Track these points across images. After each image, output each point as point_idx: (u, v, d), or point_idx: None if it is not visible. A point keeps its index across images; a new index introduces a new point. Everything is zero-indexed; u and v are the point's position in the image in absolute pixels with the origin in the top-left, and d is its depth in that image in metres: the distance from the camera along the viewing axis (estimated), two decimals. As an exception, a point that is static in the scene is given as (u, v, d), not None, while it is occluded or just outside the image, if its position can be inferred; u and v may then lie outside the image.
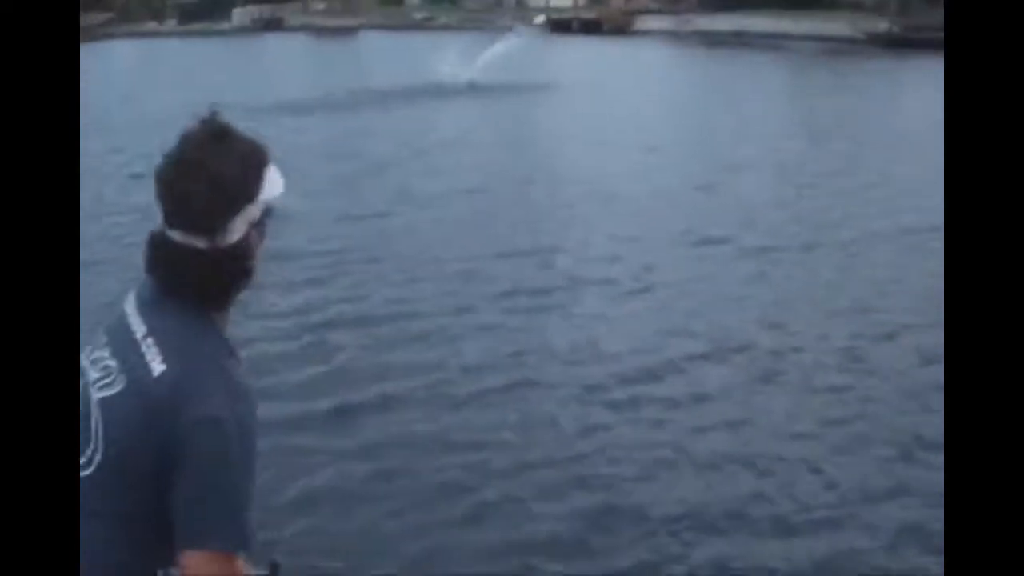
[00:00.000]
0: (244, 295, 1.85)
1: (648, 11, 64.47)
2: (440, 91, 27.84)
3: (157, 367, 1.70)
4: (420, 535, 5.29)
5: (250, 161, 1.75)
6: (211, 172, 1.69)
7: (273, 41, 63.56)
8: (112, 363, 1.76)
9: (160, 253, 1.75)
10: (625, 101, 26.61)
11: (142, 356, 1.73)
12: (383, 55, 44.59)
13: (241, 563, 1.72)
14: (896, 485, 5.85)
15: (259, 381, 4.79)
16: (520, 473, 5.98)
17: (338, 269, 10.43)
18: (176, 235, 1.73)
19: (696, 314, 8.98)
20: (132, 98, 26.90)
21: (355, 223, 12.73)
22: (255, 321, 8.09)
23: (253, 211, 1.75)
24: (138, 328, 1.77)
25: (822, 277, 10.36)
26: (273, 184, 1.78)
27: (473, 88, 28.90)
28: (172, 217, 1.73)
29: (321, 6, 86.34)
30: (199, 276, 1.73)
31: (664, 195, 14.54)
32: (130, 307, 1.82)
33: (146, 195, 1.87)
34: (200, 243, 1.71)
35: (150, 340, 1.74)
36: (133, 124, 21.08)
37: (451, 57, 30.36)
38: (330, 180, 15.39)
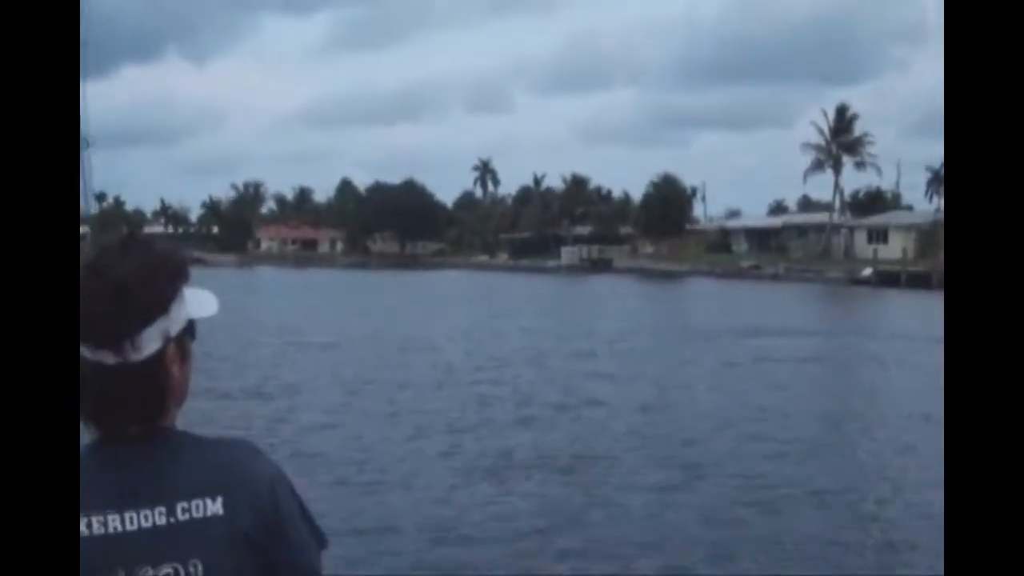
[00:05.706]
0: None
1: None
2: (765, 344, 26.37)
3: (213, 507, 1.56)
4: None
5: (161, 270, 1.60)
6: (115, 279, 1.55)
7: (601, 281, 65.38)
8: (169, 570, 1.55)
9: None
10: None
11: (191, 524, 1.55)
12: (712, 300, 44.50)
13: None
14: None
15: None
16: None
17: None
18: (86, 351, 1.56)
19: None
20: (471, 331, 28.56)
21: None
22: None
23: (168, 324, 1.59)
24: (152, 518, 1.56)
25: None
26: (197, 302, 1.66)
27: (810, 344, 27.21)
28: (82, 331, 1.56)
29: (649, 250, 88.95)
30: (110, 395, 1.56)
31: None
32: (113, 515, 1.56)
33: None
34: (108, 358, 1.54)
35: (181, 505, 1.56)
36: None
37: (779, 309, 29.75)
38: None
